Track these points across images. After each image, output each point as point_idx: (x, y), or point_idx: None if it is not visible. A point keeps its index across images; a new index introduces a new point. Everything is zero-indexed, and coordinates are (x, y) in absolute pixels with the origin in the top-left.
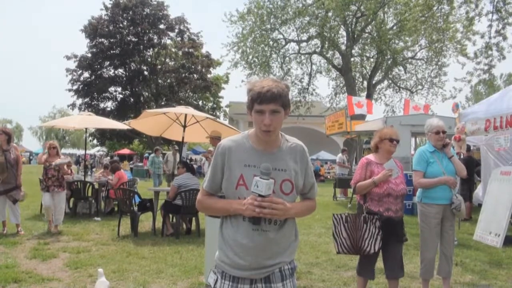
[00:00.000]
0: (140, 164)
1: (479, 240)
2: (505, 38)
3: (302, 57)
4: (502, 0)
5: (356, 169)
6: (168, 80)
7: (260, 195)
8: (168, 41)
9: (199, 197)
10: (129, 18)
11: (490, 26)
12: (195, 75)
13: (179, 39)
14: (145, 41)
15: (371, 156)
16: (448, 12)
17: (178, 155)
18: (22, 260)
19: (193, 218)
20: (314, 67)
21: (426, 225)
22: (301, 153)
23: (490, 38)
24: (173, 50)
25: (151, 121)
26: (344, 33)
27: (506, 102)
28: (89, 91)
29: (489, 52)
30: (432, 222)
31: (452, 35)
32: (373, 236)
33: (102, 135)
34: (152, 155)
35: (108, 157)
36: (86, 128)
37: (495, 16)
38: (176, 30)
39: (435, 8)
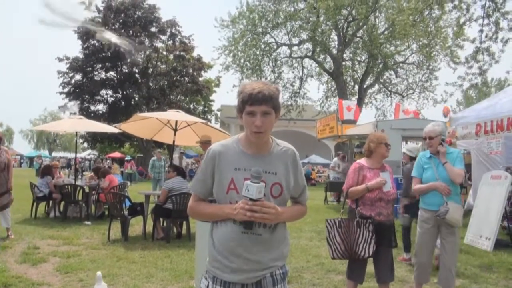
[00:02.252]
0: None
1: (470, 244)
2: (501, 41)
3: (294, 61)
4: (493, 4)
5: (348, 174)
6: (160, 83)
7: (251, 199)
8: (160, 44)
9: (191, 203)
10: (121, 21)
11: (481, 31)
12: (186, 78)
13: (170, 42)
14: (137, 44)
15: (362, 161)
16: (439, 16)
17: (184, 158)
18: (12, 265)
19: (184, 222)
20: (305, 71)
21: (420, 229)
22: (292, 157)
23: (481, 43)
24: (165, 53)
25: (142, 124)
26: (336, 37)
27: (497, 106)
28: (80, 94)
29: (480, 57)
30: (424, 226)
31: (443, 40)
32: (366, 240)
33: (93, 138)
34: (153, 158)
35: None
36: (76, 132)
37: (485, 21)
38: (168, 33)
39: (426, 13)
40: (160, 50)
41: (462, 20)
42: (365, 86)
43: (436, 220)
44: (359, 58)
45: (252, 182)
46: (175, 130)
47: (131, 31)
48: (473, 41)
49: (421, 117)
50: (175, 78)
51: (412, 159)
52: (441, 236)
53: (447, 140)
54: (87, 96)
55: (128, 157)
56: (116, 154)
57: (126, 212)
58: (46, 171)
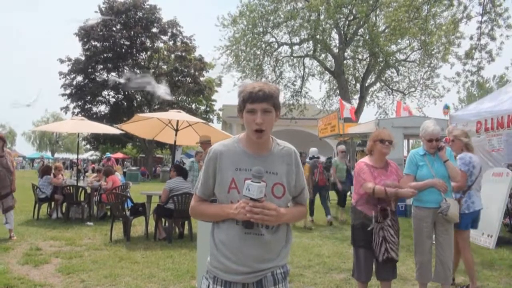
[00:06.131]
0: (134, 168)
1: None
2: (493, 39)
3: (295, 60)
4: (491, 1)
5: (358, 173)
6: (161, 84)
7: (252, 199)
8: (161, 45)
9: (193, 204)
10: (122, 21)
11: (479, 28)
12: (188, 79)
13: (171, 42)
14: (138, 45)
15: (366, 159)
16: (434, 12)
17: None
18: (14, 266)
19: (186, 222)
20: (306, 70)
21: (416, 228)
22: (293, 156)
23: (479, 39)
24: (166, 53)
25: (144, 124)
26: (337, 36)
27: (497, 104)
28: (82, 95)
29: (477, 54)
30: (422, 225)
31: (438, 36)
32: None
33: (96, 139)
34: (192, 159)
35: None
36: (78, 133)
37: (484, 18)
38: (169, 34)
39: (424, 12)
40: (162, 51)
41: (459, 16)
42: (366, 84)
43: (433, 217)
44: (360, 57)
45: (253, 182)
46: (176, 130)
47: (132, 32)
48: (471, 38)
49: (422, 115)
50: (176, 78)
51: (311, 158)
52: (436, 233)
53: (446, 138)
54: (89, 97)
55: (107, 154)
56: (119, 155)
57: (128, 213)
58: (45, 170)
